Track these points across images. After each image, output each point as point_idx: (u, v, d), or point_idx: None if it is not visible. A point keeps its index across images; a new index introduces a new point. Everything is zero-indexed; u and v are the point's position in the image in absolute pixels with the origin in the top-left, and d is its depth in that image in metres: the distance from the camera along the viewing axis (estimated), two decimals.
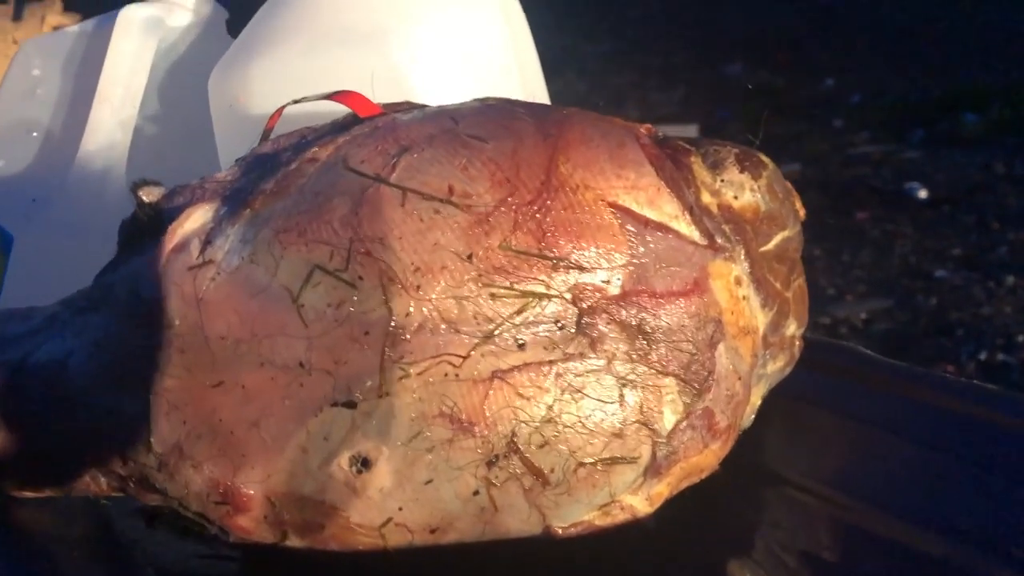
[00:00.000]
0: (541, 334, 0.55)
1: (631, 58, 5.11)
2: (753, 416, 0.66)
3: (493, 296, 0.54)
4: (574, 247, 0.55)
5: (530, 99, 0.73)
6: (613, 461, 0.56)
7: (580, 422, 0.55)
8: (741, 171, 0.64)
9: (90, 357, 0.57)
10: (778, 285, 0.64)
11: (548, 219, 0.55)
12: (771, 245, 0.64)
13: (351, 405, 0.53)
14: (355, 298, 0.53)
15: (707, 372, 0.57)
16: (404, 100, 0.66)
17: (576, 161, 0.57)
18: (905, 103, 4.03)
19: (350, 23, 0.79)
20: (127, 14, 0.88)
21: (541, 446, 0.54)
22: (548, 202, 0.55)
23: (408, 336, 0.53)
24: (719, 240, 0.59)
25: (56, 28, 1.41)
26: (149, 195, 0.60)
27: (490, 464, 0.54)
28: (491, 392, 0.54)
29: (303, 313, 0.54)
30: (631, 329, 0.56)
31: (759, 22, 5.54)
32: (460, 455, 0.54)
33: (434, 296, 0.53)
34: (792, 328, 0.66)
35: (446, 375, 0.53)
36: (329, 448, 0.54)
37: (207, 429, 0.55)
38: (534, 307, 0.54)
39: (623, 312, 0.56)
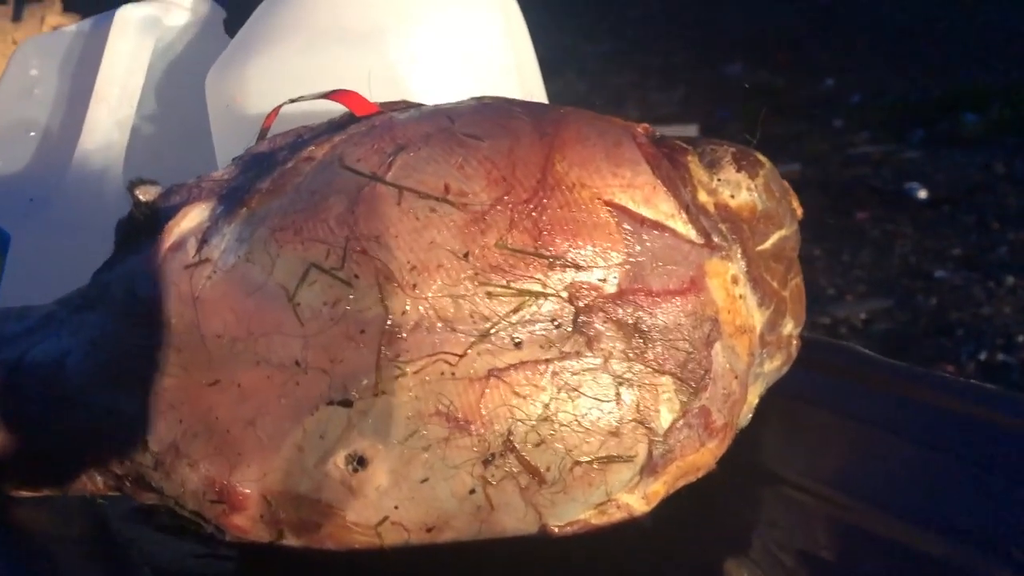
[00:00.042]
0: (537, 333, 0.54)
1: (631, 58, 5.11)
2: (750, 415, 0.66)
3: (489, 295, 0.54)
4: (570, 245, 0.55)
5: (528, 99, 0.73)
6: (609, 460, 0.56)
7: (576, 421, 0.55)
8: (738, 170, 0.63)
9: (86, 356, 0.57)
10: (775, 284, 0.64)
11: (544, 217, 0.55)
12: (768, 244, 0.64)
13: (347, 404, 0.53)
14: (351, 296, 0.53)
15: (703, 371, 0.57)
16: (401, 99, 0.66)
17: (572, 160, 0.57)
18: (905, 103, 4.03)
19: (348, 22, 0.79)
20: (124, 14, 0.88)
21: (537, 445, 0.54)
22: (544, 200, 0.55)
23: (404, 334, 0.53)
24: (716, 239, 0.59)
25: (55, 29, 1.41)
26: (145, 194, 0.60)
27: (486, 463, 0.54)
28: (487, 391, 0.54)
29: (299, 311, 0.54)
30: (627, 327, 0.56)
31: (759, 22, 5.54)
32: (456, 454, 0.54)
33: (430, 294, 0.53)
34: (789, 327, 0.66)
35: (442, 374, 0.53)
36: (325, 447, 0.54)
37: (203, 427, 0.55)
38: (530, 305, 0.54)
39: (619, 310, 0.55)
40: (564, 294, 0.55)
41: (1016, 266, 2.60)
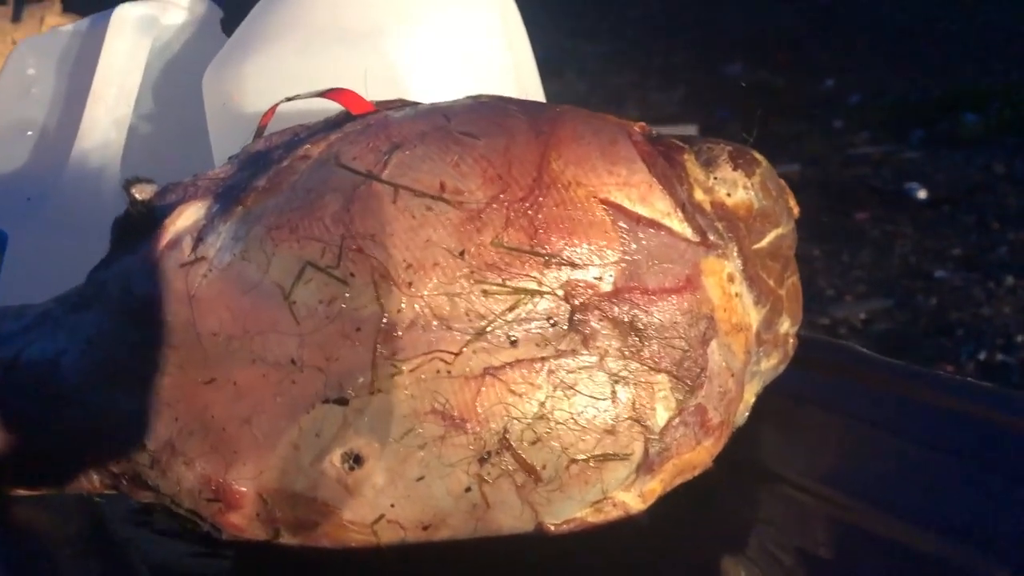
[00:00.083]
0: (533, 331, 0.54)
1: (631, 58, 5.11)
2: (747, 414, 0.66)
3: (485, 293, 0.54)
4: (566, 244, 0.55)
5: (525, 98, 0.73)
6: (605, 458, 0.56)
7: (572, 419, 0.55)
8: (734, 168, 0.63)
9: (82, 354, 0.57)
10: (771, 282, 0.64)
11: (540, 216, 0.55)
12: (764, 242, 0.64)
13: (343, 402, 0.53)
14: (347, 295, 0.53)
15: (699, 369, 0.57)
16: (397, 98, 0.66)
17: (568, 158, 0.57)
18: (905, 103, 4.03)
19: (346, 22, 0.79)
20: (121, 13, 0.88)
21: (533, 443, 0.54)
22: (540, 199, 0.55)
23: (400, 333, 0.53)
24: (712, 237, 0.59)
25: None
26: (142, 192, 0.60)
27: (482, 461, 0.54)
28: (483, 389, 0.54)
29: (295, 310, 0.54)
30: (623, 326, 0.56)
31: (759, 22, 5.54)
32: (452, 452, 0.54)
33: (426, 293, 0.53)
34: (786, 325, 0.66)
35: (438, 372, 0.53)
36: (321, 445, 0.54)
37: (199, 426, 0.55)
38: (526, 304, 0.54)
39: (615, 309, 0.56)
40: (560, 292, 0.55)
41: (1016, 266, 2.60)
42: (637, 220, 0.57)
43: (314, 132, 0.61)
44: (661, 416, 0.57)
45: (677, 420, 0.57)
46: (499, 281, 0.54)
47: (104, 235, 0.61)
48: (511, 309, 0.54)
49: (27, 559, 0.60)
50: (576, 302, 0.55)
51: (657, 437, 0.57)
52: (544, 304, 0.55)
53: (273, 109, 0.66)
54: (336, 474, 0.54)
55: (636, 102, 4.28)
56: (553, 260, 0.55)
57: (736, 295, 0.60)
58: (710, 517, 0.65)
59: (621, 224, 0.56)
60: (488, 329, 0.54)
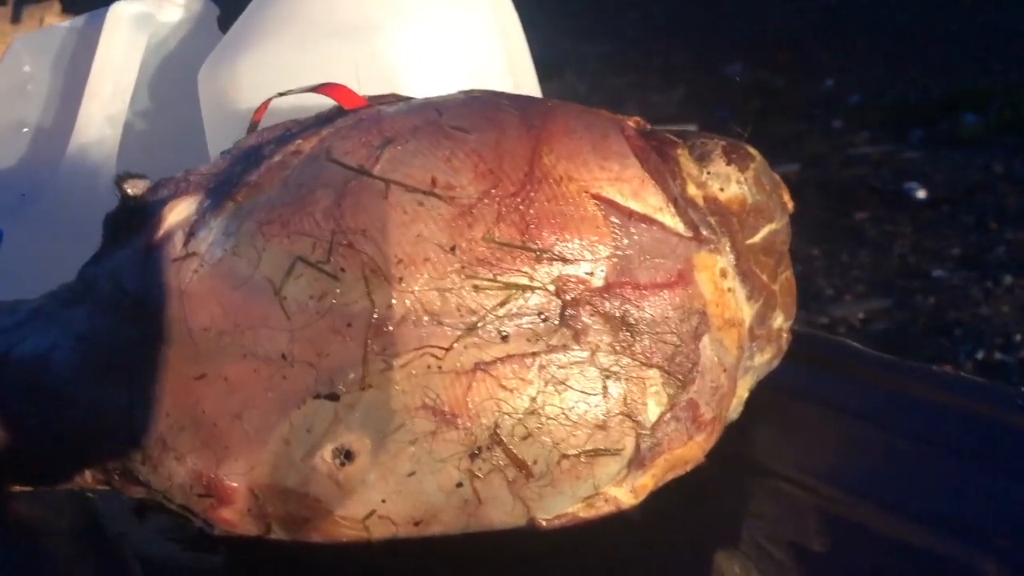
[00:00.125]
0: (524, 326, 0.54)
1: (631, 59, 5.11)
2: (740, 409, 0.66)
3: (476, 288, 0.54)
4: (557, 239, 0.55)
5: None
6: (597, 453, 0.56)
7: (563, 414, 0.55)
8: (728, 163, 0.63)
9: (73, 350, 0.57)
10: (765, 277, 0.63)
11: (531, 211, 0.55)
12: (758, 238, 0.64)
13: (334, 397, 0.53)
14: (337, 290, 0.53)
15: (691, 364, 0.57)
16: (390, 93, 0.66)
17: (559, 152, 0.57)
18: (905, 103, 4.03)
19: (341, 17, 0.79)
20: (117, 10, 0.88)
21: (524, 438, 0.54)
22: (531, 194, 0.55)
23: (391, 328, 0.53)
24: (704, 232, 0.59)
25: None
26: (134, 188, 0.60)
27: (473, 456, 0.54)
28: (474, 384, 0.54)
29: (285, 305, 0.54)
30: (615, 321, 0.55)
31: (759, 22, 5.54)
32: (443, 447, 0.54)
33: (417, 288, 0.53)
34: (779, 321, 0.66)
35: (429, 367, 0.53)
36: (312, 440, 0.54)
37: (190, 421, 0.55)
38: (517, 299, 0.54)
39: (607, 304, 0.55)
40: (551, 287, 0.55)
41: (1014, 266, 2.60)
42: (629, 215, 0.57)
43: (306, 127, 0.61)
44: (652, 411, 0.56)
45: (669, 415, 0.57)
46: (490, 276, 0.54)
47: (99, 231, 0.61)
48: (502, 304, 0.54)
49: (20, 555, 0.60)
50: (567, 297, 0.55)
51: (648, 432, 0.57)
52: (535, 299, 0.55)
53: (266, 104, 0.66)
54: (327, 469, 0.54)
55: (636, 102, 4.27)
56: (544, 255, 0.55)
57: (729, 290, 0.60)
58: (702, 512, 0.65)
59: (613, 219, 0.56)
60: (479, 324, 0.54)
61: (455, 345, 0.53)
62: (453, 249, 0.54)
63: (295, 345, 0.53)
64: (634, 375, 0.56)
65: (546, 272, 0.55)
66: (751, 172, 0.64)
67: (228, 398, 0.54)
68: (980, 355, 2.21)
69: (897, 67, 4.55)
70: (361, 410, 0.53)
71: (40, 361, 0.57)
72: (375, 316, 0.53)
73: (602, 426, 0.55)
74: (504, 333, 0.54)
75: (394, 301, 0.53)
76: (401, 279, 0.53)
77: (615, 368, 0.55)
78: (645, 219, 0.57)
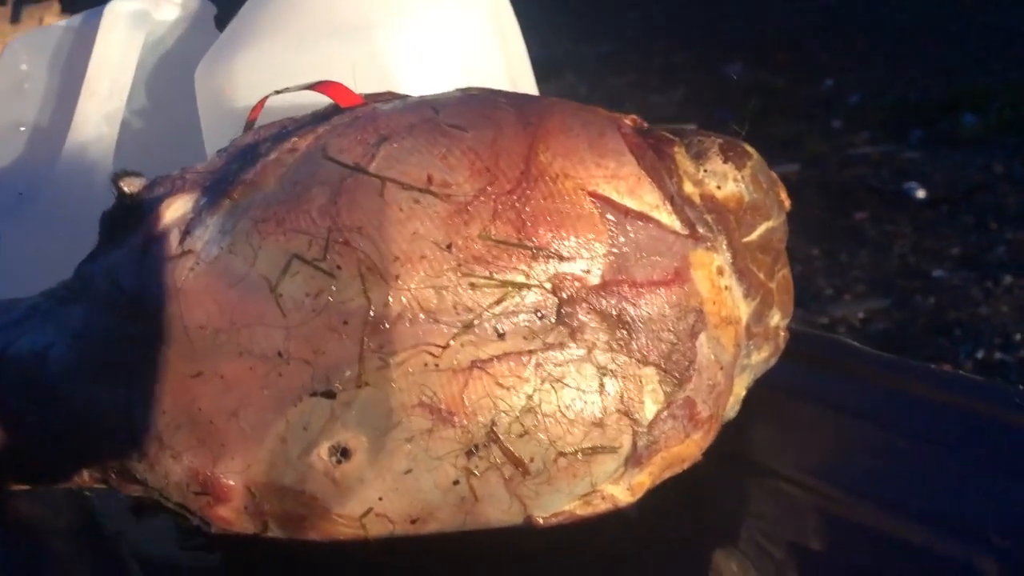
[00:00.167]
0: (521, 324, 0.54)
1: (630, 59, 5.10)
2: (738, 407, 0.66)
3: (473, 286, 0.54)
4: (554, 236, 0.55)
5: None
6: (594, 451, 0.56)
7: (560, 411, 0.55)
8: (725, 161, 0.63)
9: (69, 348, 0.57)
10: (761, 275, 0.63)
11: (528, 208, 0.55)
12: (755, 235, 0.64)
13: (330, 395, 0.53)
14: (333, 288, 0.53)
15: (688, 362, 0.57)
16: (387, 91, 0.66)
17: (556, 150, 0.57)
18: (904, 103, 4.02)
19: (338, 16, 0.79)
20: (114, 8, 0.88)
21: (521, 435, 0.54)
22: (528, 191, 0.55)
23: (387, 326, 0.53)
24: (701, 230, 0.59)
25: None
26: (130, 186, 0.60)
27: (470, 454, 0.54)
28: (471, 382, 0.53)
29: (281, 303, 0.54)
30: (611, 319, 0.55)
31: (759, 22, 5.54)
32: (440, 445, 0.54)
33: (413, 286, 0.53)
34: (776, 319, 0.66)
35: (425, 365, 0.53)
36: (308, 438, 0.54)
37: (186, 419, 0.55)
38: (514, 296, 0.54)
39: (603, 301, 0.55)
40: (548, 285, 0.55)
41: (1014, 266, 2.60)
42: (625, 213, 0.57)
43: (302, 125, 0.61)
44: (649, 409, 0.56)
45: (665, 413, 0.57)
46: (487, 274, 0.54)
47: (96, 230, 0.61)
48: (499, 302, 0.54)
49: (18, 554, 0.60)
50: (564, 295, 0.55)
51: (645, 430, 0.56)
52: (532, 297, 0.55)
53: (262, 103, 0.66)
54: (324, 467, 0.54)
55: (635, 103, 4.25)
56: (541, 253, 0.55)
57: (725, 288, 0.60)
58: (700, 511, 0.65)
59: (609, 216, 0.56)
60: (476, 322, 0.54)
61: (452, 343, 0.53)
62: (449, 247, 0.54)
63: (291, 343, 0.53)
64: (631, 373, 0.56)
65: (542, 270, 0.55)
66: (748, 170, 0.64)
67: (224, 396, 0.54)
68: (980, 355, 2.21)
69: (897, 67, 4.55)
70: (357, 408, 0.53)
71: (36, 359, 0.57)
72: (371, 314, 0.53)
73: (599, 424, 0.55)
74: (501, 331, 0.54)
75: (390, 299, 0.53)
76: (397, 277, 0.53)
77: (612, 366, 0.55)
78: (641, 216, 0.57)
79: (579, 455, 0.55)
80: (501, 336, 0.54)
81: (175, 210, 0.57)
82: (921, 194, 3.13)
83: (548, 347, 0.54)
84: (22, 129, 0.89)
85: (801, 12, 5.69)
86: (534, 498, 0.56)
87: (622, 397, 0.56)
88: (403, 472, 0.54)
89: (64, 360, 0.57)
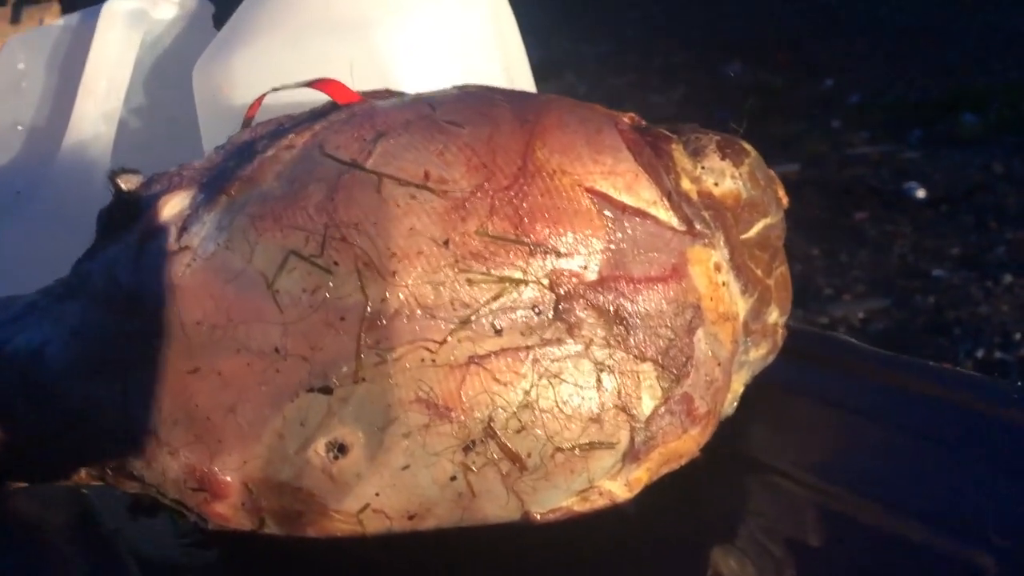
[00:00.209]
0: (518, 319, 0.54)
1: (630, 59, 5.10)
2: (736, 404, 0.66)
3: (470, 281, 0.54)
4: (551, 232, 0.55)
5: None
6: (591, 446, 0.55)
7: (557, 407, 0.54)
8: (722, 158, 0.63)
9: (66, 345, 0.57)
10: (759, 272, 0.63)
11: (525, 204, 0.55)
12: (752, 232, 0.64)
13: (327, 391, 0.53)
14: (330, 284, 0.53)
15: (685, 357, 0.57)
16: (384, 88, 0.66)
17: (553, 146, 0.57)
18: (904, 103, 4.02)
19: (336, 14, 0.79)
20: (111, 7, 0.88)
21: (518, 431, 0.54)
22: (525, 187, 0.55)
23: (384, 321, 0.53)
24: (698, 226, 0.59)
25: None
26: (127, 183, 0.60)
27: (467, 449, 0.54)
28: (468, 377, 0.53)
29: (278, 299, 0.54)
30: (608, 314, 0.55)
31: (759, 22, 5.54)
32: (437, 440, 0.54)
33: (410, 282, 0.53)
34: (774, 315, 0.66)
35: (423, 360, 0.53)
36: (305, 434, 0.54)
37: (183, 415, 0.54)
38: (511, 292, 0.54)
39: (600, 297, 0.55)
40: (545, 281, 0.55)
41: (1014, 265, 2.60)
42: (623, 209, 0.57)
43: (299, 122, 0.61)
44: (647, 404, 0.56)
45: (663, 409, 0.57)
46: (484, 270, 0.54)
47: (94, 228, 0.61)
48: (496, 298, 0.54)
49: (15, 551, 0.60)
50: (561, 291, 0.55)
51: (643, 425, 0.56)
52: (529, 293, 0.55)
53: (260, 100, 0.66)
54: (321, 463, 0.54)
55: (635, 103, 4.25)
56: (538, 249, 0.55)
57: (723, 284, 0.60)
58: (698, 507, 0.65)
59: (606, 213, 0.56)
60: (473, 318, 0.54)
61: (449, 338, 0.53)
62: (446, 243, 0.54)
63: (288, 339, 0.53)
64: (628, 368, 0.56)
65: (540, 266, 0.55)
66: (745, 167, 0.64)
67: (221, 392, 0.54)
68: (980, 354, 2.21)
69: (897, 67, 4.55)
70: (354, 403, 0.53)
71: (33, 356, 0.57)
72: (368, 310, 0.53)
73: (596, 419, 0.55)
74: (498, 327, 0.54)
75: (387, 295, 0.53)
76: (394, 273, 0.53)
77: (609, 361, 0.55)
78: (639, 213, 0.57)
79: (576, 451, 0.55)
80: (498, 332, 0.54)
81: (172, 207, 0.57)
82: (921, 194, 3.13)
83: (545, 343, 0.54)
84: (20, 128, 0.89)
85: (801, 12, 5.70)
86: (531, 494, 0.56)
87: (619, 393, 0.55)
88: (400, 468, 0.54)
89: (61, 357, 0.57)
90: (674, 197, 0.59)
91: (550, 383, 0.54)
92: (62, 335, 0.57)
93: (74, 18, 0.91)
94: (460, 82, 0.65)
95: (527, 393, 0.54)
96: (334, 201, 0.54)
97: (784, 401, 0.73)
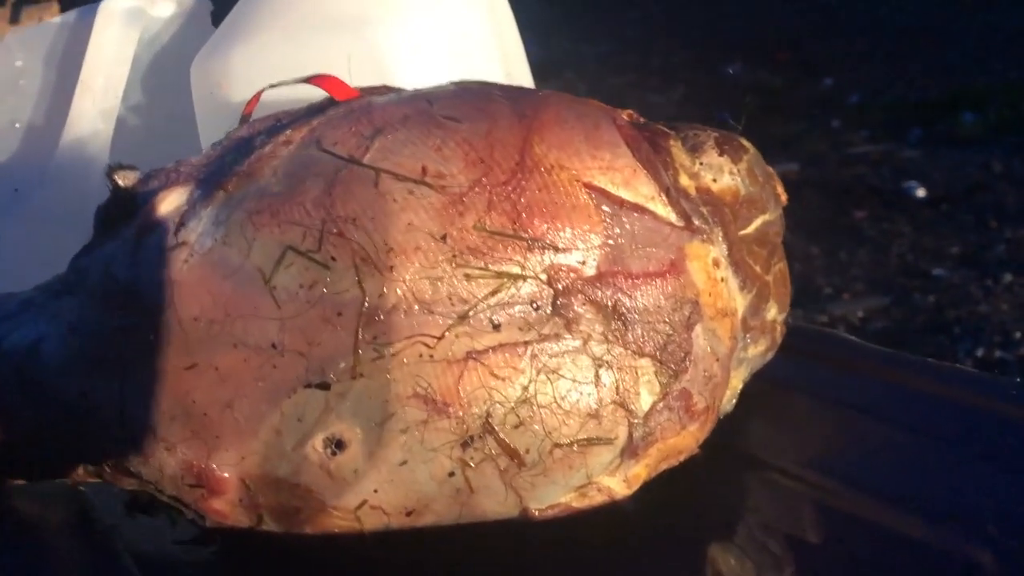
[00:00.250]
0: (516, 315, 0.54)
1: (630, 59, 5.10)
2: (734, 401, 0.66)
3: (468, 277, 0.54)
4: (549, 228, 0.55)
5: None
6: (589, 442, 0.55)
7: (556, 403, 0.54)
8: (720, 154, 0.63)
9: (63, 340, 0.57)
10: (758, 268, 0.63)
11: (523, 200, 0.55)
12: (751, 229, 0.64)
13: (325, 386, 0.53)
14: (328, 279, 0.53)
15: (684, 353, 0.57)
16: (382, 84, 0.66)
17: (551, 142, 0.57)
18: (904, 103, 4.02)
19: (333, 11, 0.79)
20: (109, 5, 0.88)
21: (516, 427, 0.54)
22: (522, 182, 0.55)
23: (382, 317, 0.53)
24: (696, 222, 0.59)
25: None
26: (124, 179, 0.60)
27: (465, 445, 0.54)
28: (466, 373, 0.53)
29: (276, 294, 0.53)
30: (607, 310, 0.55)
31: (759, 22, 5.54)
32: (435, 436, 0.53)
33: (408, 277, 0.53)
34: (773, 312, 0.66)
35: (420, 356, 0.53)
36: (303, 430, 0.54)
37: (181, 411, 0.54)
38: (509, 288, 0.54)
39: (599, 293, 0.55)
40: (543, 276, 0.55)
41: (1014, 264, 2.60)
42: (621, 204, 0.57)
43: (297, 118, 0.61)
44: (645, 400, 0.56)
45: (661, 404, 0.57)
46: (481, 265, 0.54)
47: (92, 226, 0.61)
48: (494, 293, 0.54)
49: (10, 547, 0.60)
50: (559, 286, 0.55)
51: (641, 421, 0.56)
52: (527, 288, 0.54)
53: (257, 96, 0.66)
54: (318, 459, 0.54)
55: (635, 102, 4.24)
56: (536, 244, 0.55)
57: (721, 280, 0.60)
58: (697, 504, 0.65)
59: (604, 208, 0.56)
60: (471, 313, 0.54)
61: (447, 334, 0.53)
62: (444, 238, 0.54)
63: (285, 334, 0.53)
64: (626, 364, 0.56)
65: (538, 261, 0.55)
66: (744, 163, 0.64)
67: (219, 388, 0.54)
68: (980, 353, 2.21)
69: (896, 67, 4.54)
70: (352, 399, 0.53)
71: (30, 352, 0.57)
72: (366, 305, 0.53)
73: (594, 415, 0.55)
74: (496, 322, 0.54)
75: (385, 290, 0.53)
76: (392, 268, 0.53)
77: (607, 357, 0.55)
78: (637, 208, 0.57)
79: (575, 446, 0.55)
80: (496, 327, 0.54)
81: (170, 202, 0.57)
82: (921, 193, 3.13)
83: (544, 338, 0.54)
84: (17, 126, 0.89)
85: (801, 12, 5.69)
86: (530, 490, 0.56)
87: (618, 388, 0.55)
88: (398, 464, 0.54)
89: (58, 353, 0.57)
90: (672, 193, 0.59)
91: (548, 379, 0.54)
92: (59, 331, 0.57)
93: (72, 15, 0.91)
94: (458, 76, 0.65)
95: (525, 389, 0.54)
96: (331, 196, 0.54)
97: (783, 398, 0.73)
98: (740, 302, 0.62)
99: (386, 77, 0.75)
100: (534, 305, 0.54)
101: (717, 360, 0.59)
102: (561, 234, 0.55)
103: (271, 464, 0.54)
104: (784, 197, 0.68)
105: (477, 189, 0.55)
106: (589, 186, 0.56)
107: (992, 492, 0.62)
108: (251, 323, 0.54)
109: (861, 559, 0.59)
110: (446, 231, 0.54)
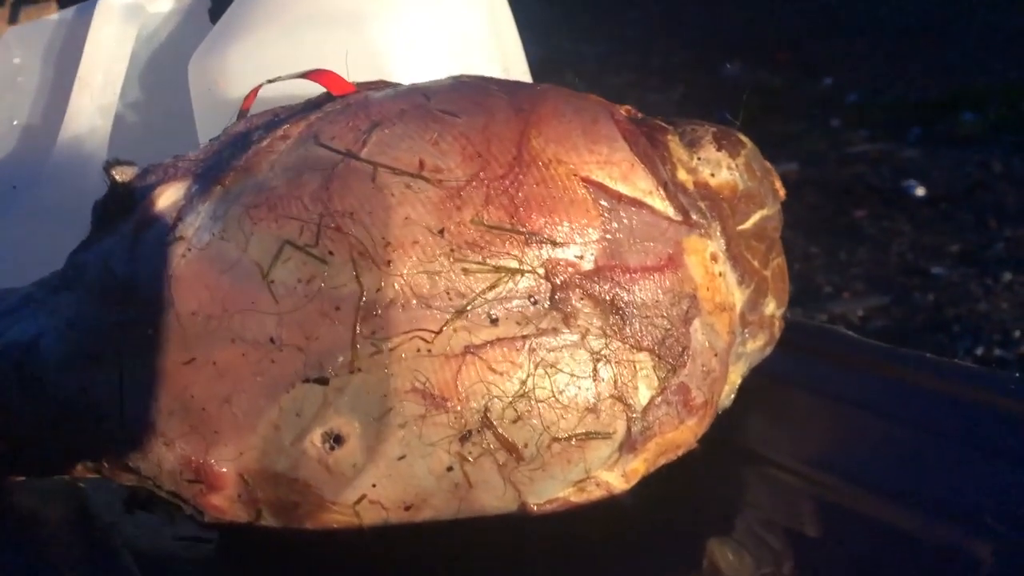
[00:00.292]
0: (514, 309, 0.54)
1: (630, 59, 5.10)
2: (733, 395, 0.66)
3: (465, 271, 0.54)
4: (547, 222, 0.55)
5: None
6: (587, 436, 0.55)
7: (554, 397, 0.54)
8: (718, 149, 0.63)
9: (61, 336, 0.57)
10: (756, 263, 0.63)
11: (520, 194, 0.55)
12: (749, 223, 0.64)
13: (323, 381, 0.53)
14: (325, 273, 0.53)
15: (682, 347, 0.57)
16: (379, 79, 0.66)
17: (548, 136, 0.57)
18: (903, 102, 4.02)
19: (331, 7, 0.79)
20: (107, 1, 0.87)
21: (514, 421, 0.54)
22: (520, 177, 0.55)
23: (379, 311, 0.53)
24: (694, 216, 0.59)
25: None
26: (122, 174, 0.60)
27: (463, 440, 0.54)
28: (464, 367, 0.53)
29: (273, 289, 0.53)
30: (605, 304, 0.55)
31: (759, 22, 5.54)
32: (433, 431, 0.53)
33: (405, 271, 0.53)
34: (771, 307, 0.66)
35: (418, 350, 0.53)
36: (301, 424, 0.54)
37: (179, 406, 0.54)
38: (507, 282, 0.54)
39: (597, 287, 0.55)
40: (541, 270, 0.55)
41: (1013, 263, 2.60)
42: (618, 198, 0.57)
43: (294, 113, 0.61)
44: (643, 394, 0.56)
45: (660, 399, 0.57)
46: (479, 259, 0.54)
47: (90, 221, 0.61)
48: (491, 287, 0.54)
49: (9, 543, 0.60)
50: (557, 280, 0.55)
51: (639, 416, 0.56)
52: (525, 282, 0.54)
53: (255, 92, 0.66)
54: (317, 454, 0.54)
55: (635, 102, 4.23)
56: (534, 238, 0.55)
57: (719, 274, 0.60)
58: (696, 499, 0.65)
59: (602, 202, 0.56)
60: (468, 307, 0.54)
61: (444, 328, 0.53)
62: (442, 232, 0.54)
63: (283, 329, 0.53)
64: (624, 358, 0.56)
65: (535, 255, 0.55)
66: (742, 158, 0.64)
67: (217, 383, 0.54)
68: (979, 351, 2.21)
69: (896, 66, 4.55)
70: (350, 394, 0.53)
71: (29, 348, 0.57)
72: (364, 299, 0.53)
73: (593, 409, 0.55)
74: (494, 316, 0.54)
75: (383, 284, 0.53)
76: (389, 262, 0.53)
77: (605, 351, 0.55)
78: (635, 202, 0.57)
79: (573, 441, 0.55)
80: (494, 322, 0.54)
81: (167, 197, 0.57)
82: (920, 192, 3.13)
83: (541, 333, 0.54)
84: (15, 123, 0.89)
85: (801, 12, 5.69)
86: (528, 484, 0.55)
87: (616, 382, 0.55)
88: (396, 458, 0.54)
89: (56, 348, 0.57)
90: (670, 187, 0.59)
91: (546, 373, 0.54)
92: (57, 326, 0.57)
93: (70, 12, 0.91)
94: (455, 71, 0.65)
95: (523, 383, 0.54)
96: (329, 191, 0.54)
97: (782, 393, 0.73)
98: (738, 297, 0.62)
99: (383, 73, 0.75)
100: (532, 299, 0.54)
101: (715, 355, 0.59)
102: (559, 228, 0.55)
103: (269, 459, 0.54)
104: (782, 192, 0.68)
105: (474, 183, 0.54)
106: (587, 180, 0.56)
107: (991, 487, 0.62)
108: (249, 318, 0.53)
109: (860, 555, 0.59)
110: (444, 225, 0.54)
